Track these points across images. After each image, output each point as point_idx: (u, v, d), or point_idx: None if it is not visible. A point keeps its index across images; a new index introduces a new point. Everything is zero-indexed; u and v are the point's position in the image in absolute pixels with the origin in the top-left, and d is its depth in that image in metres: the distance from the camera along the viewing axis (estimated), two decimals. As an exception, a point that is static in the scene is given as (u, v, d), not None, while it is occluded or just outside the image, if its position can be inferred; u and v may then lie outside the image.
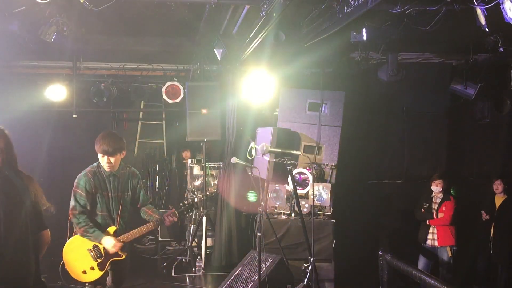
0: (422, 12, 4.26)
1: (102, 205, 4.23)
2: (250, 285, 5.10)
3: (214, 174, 7.85)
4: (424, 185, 6.58)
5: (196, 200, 4.55)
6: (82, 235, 4.17)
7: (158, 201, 9.22)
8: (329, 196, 6.18)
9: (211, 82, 7.32)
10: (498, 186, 6.36)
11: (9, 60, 7.08)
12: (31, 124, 7.91)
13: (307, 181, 6.25)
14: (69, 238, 4.29)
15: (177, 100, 7.77)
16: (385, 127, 7.74)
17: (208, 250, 7.15)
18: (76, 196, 4.17)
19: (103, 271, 4.20)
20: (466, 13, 4.04)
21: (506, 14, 3.25)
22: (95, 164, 4.27)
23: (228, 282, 5.37)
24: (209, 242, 7.30)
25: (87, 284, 4.28)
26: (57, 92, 7.52)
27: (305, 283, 4.77)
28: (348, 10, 4.30)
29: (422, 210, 6.30)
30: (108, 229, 4.22)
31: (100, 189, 4.20)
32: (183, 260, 7.30)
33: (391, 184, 7.77)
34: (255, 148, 6.01)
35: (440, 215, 6.13)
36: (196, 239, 7.29)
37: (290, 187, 6.11)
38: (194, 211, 4.48)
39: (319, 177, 6.43)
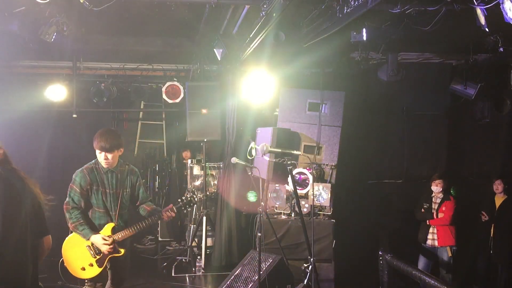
0: (422, 12, 4.26)
1: (99, 202, 4.23)
2: (250, 285, 5.10)
3: (214, 174, 7.85)
4: (424, 185, 6.58)
5: (195, 197, 4.52)
6: (73, 231, 4.20)
7: (158, 201, 9.21)
8: (329, 196, 6.18)
9: (211, 82, 7.32)
10: (498, 186, 6.36)
11: (9, 60, 7.08)
12: (31, 124, 7.92)
13: (307, 181, 6.25)
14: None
15: (177, 100, 7.77)
16: (385, 127, 7.74)
17: (208, 250, 7.15)
18: (71, 192, 4.20)
19: (102, 268, 4.20)
20: (466, 13, 4.04)
21: (506, 14, 3.25)
22: (93, 161, 4.29)
23: (228, 282, 5.37)
24: (209, 242, 7.30)
25: (86, 281, 4.28)
26: (57, 92, 7.52)
27: (305, 283, 4.78)
28: (348, 10, 4.30)
29: (422, 210, 6.30)
30: (106, 226, 4.22)
31: (96, 186, 4.21)
32: (183, 260, 7.30)
33: (391, 184, 7.77)
34: (255, 148, 6.01)
35: (440, 215, 6.13)
36: (196, 239, 7.29)
37: (290, 187, 6.11)
38: (192, 208, 4.47)
39: (319, 177, 6.43)
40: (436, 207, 6.20)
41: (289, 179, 5.28)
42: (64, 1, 4.92)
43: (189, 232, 7.82)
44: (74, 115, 7.85)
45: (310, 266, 4.73)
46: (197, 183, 7.84)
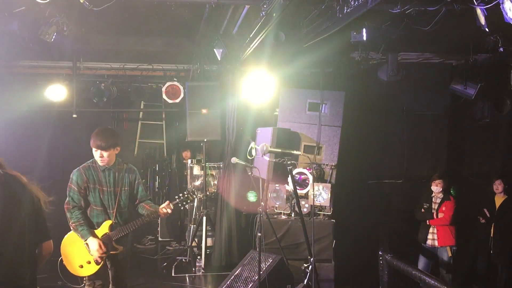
0: (422, 12, 4.26)
1: (96, 199, 4.26)
2: (250, 285, 5.10)
3: (214, 174, 7.85)
4: (424, 185, 6.58)
5: (192, 194, 4.52)
6: (73, 230, 4.24)
7: (158, 201, 9.19)
8: (329, 196, 6.18)
9: (211, 82, 7.32)
10: (498, 186, 6.36)
11: (9, 60, 7.08)
12: (31, 124, 7.93)
13: (307, 181, 6.25)
14: None
15: (177, 100, 7.78)
16: (385, 127, 7.74)
17: (208, 250, 7.15)
18: (70, 192, 4.24)
19: (99, 266, 4.21)
20: (466, 13, 4.04)
21: (506, 14, 3.25)
22: (91, 160, 4.32)
23: (228, 282, 5.37)
24: (209, 242, 7.30)
25: (84, 279, 4.29)
26: (57, 92, 7.52)
27: (305, 283, 4.77)
28: (348, 10, 4.30)
29: (422, 210, 6.30)
30: (104, 223, 4.25)
31: (93, 184, 4.25)
32: (183, 260, 7.30)
33: (391, 184, 7.77)
34: (255, 148, 6.01)
35: (440, 215, 6.13)
36: (196, 239, 7.29)
37: (290, 187, 6.11)
38: (189, 205, 4.48)
39: (319, 177, 6.43)
40: (436, 207, 6.20)
41: (289, 179, 5.27)
42: (64, 1, 4.92)
43: (189, 232, 7.82)
44: (74, 115, 7.86)
45: (310, 266, 4.72)
46: (197, 183, 7.84)
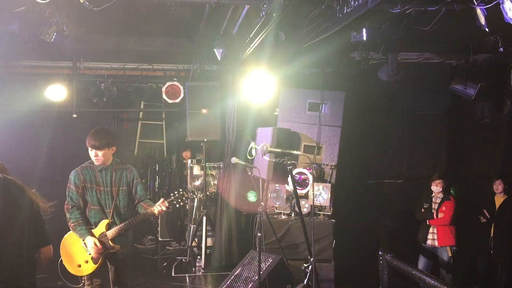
0: (422, 12, 4.26)
1: (93, 199, 4.30)
2: (250, 285, 5.10)
3: (214, 174, 7.85)
4: (424, 185, 6.58)
5: (187, 191, 4.54)
6: (72, 230, 4.30)
7: (158, 201, 9.20)
8: (329, 196, 6.18)
9: (211, 82, 7.32)
10: (498, 186, 6.36)
11: (9, 60, 7.08)
12: (31, 124, 7.93)
13: (307, 181, 6.25)
14: None
15: (177, 100, 7.78)
16: (385, 127, 7.74)
17: (208, 250, 7.15)
18: (69, 192, 4.30)
19: (97, 264, 4.24)
20: (466, 13, 4.04)
21: (506, 14, 3.25)
22: (90, 160, 4.35)
23: (228, 282, 5.37)
24: (209, 242, 7.30)
25: (83, 278, 4.33)
26: (57, 92, 7.52)
27: (305, 283, 4.77)
28: (348, 10, 4.30)
29: (422, 210, 6.30)
30: (101, 222, 4.29)
31: (90, 183, 4.29)
32: (183, 260, 7.30)
33: (391, 184, 7.77)
34: (255, 148, 6.01)
35: (440, 215, 6.13)
36: (196, 239, 7.29)
37: (290, 187, 6.11)
38: (184, 202, 4.48)
39: (319, 177, 6.43)
40: (436, 207, 6.20)
41: (289, 179, 5.27)
42: (64, 1, 4.91)
43: (189, 232, 7.82)
44: (74, 115, 7.85)
45: (310, 266, 4.72)
46: (197, 183, 7.84)
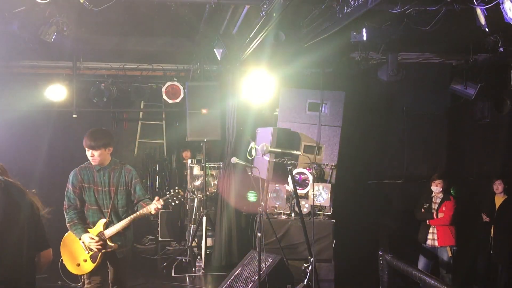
0: (422, 12, 4.26)
1: (91, 199, 4.32)
2: (250, 285, 5.10)
3: (214, 174, 7.85)
4: (424, 185, 6.58)
5: (182, 190, 4.56)
6: (70, 230, 4.33)
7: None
8: (329, 196, 6.18)
9: (211, 82, 7.32)
10: (498, 186, 6.36)
11: (9, 60, 7.08)
12: (31, 124, 7.93)
13: (307, 181, 6.25)
14: None
15: (177, 100, 7.78)
16: (385, 127, 7.74)
17: (208, 250, 7.15)
18: (67, 192, 4.34)
19: (96, 263, 4.26)
20: (466, 13, 4.04)
21: (506, 14, 3.25)
22: (89, 160, 4.36)
23: (228, 282, 5.38)
24: (209, 242, 7.30)
25: (82, 278, 4.35)
26: (57, 92, 7.52)
27: (305, 283, 4.77)
28: (348, 10, 4.30)
29: (422, 210, 6.30)
30: (98, 222, 4.31)
31: (88, 183, 4.31)
32: (183, 260, 7.30)
33: (391, 184, 7.77)
34: (255, 148, 6.00)
35: (440, 215, 6.13)
36: (196, 239, 7.29)
37: (290, 187, 6.11)
38: (180, 201, 4.48)
39: (319, 177, 6.43)
40: (436, 207, 6.19)
41: (289, 179, 5.27)
42: (64, 1, 4.91)
43: (189, 232, 7.82)
44: (74, 115, 7.85)
45: (310, 266, 4.72)
46: (197, 183, 7.84)
